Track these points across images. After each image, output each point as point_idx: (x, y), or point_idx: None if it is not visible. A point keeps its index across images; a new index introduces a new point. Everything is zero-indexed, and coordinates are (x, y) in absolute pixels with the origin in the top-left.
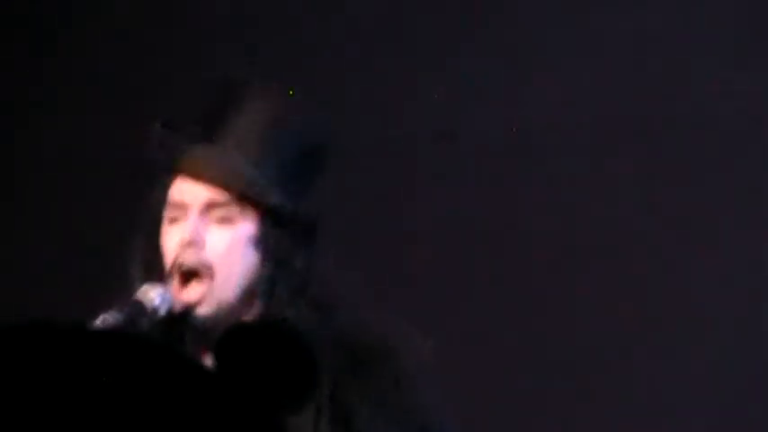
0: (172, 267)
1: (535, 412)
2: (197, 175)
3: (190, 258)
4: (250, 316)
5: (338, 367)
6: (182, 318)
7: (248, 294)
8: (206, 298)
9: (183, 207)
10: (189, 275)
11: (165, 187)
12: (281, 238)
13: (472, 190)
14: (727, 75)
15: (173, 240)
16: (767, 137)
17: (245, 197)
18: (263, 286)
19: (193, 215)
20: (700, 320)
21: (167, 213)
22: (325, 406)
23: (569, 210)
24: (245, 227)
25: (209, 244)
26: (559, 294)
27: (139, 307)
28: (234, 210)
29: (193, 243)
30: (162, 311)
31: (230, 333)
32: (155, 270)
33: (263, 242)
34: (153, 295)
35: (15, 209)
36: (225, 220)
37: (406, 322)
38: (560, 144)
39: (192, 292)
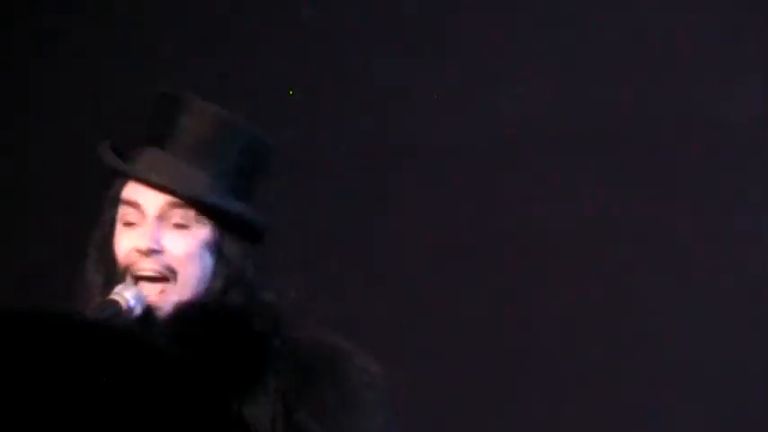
0: (126, 272)
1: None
2: (154, 181)
3: (150, 267)
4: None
5: (291, 379)
6: (144, 318)
7: (203, 299)
8: (166, 300)
9: (137, 207)
10: (150, 279)
11: (118, 190)
12: (234, 243)
13: (463, 194)
14: (726, 74)
15: (127, 243)
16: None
17: (199, 203)
18: (217, 292)
19: (150, 221)
20: (699, 321)
21: (121, 213)
22: (280, 414)
23: (562, 212)
24: (201, 232)
25: (167, 249)
26: (552, 297)
27: (116, 307)
28: (189, 215)
29: (153, 252)
30: (137, 311)
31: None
32: (111, 272)
33: (217, 248)
34: (128, 296)
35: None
36: (181, 226)
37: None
38: (554, 146)
39: (154, 295)
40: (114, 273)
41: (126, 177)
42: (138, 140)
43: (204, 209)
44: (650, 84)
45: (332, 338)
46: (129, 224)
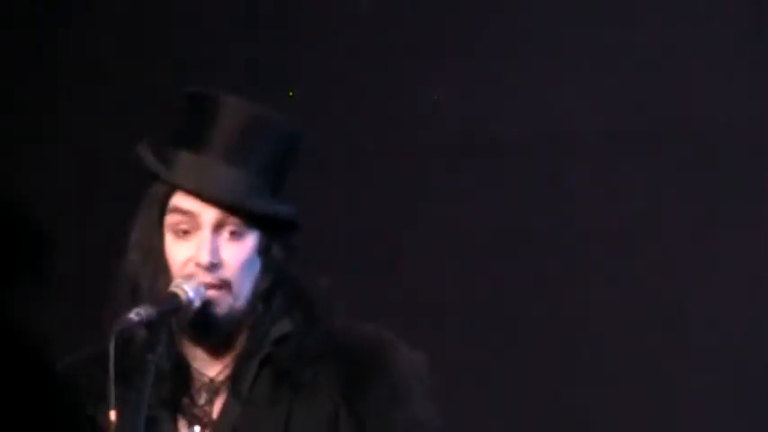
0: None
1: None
2: (215, 197)
3: (208, 280)
4: (249, 323)
5: (342, 375)
6: (202, 312)
7: (252, 303)
8: (221, 301)
9: (191, 216)
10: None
11: (164, 195)
12: (279, 244)
13: (478, 195)
14: (737, 81)
15: (184, 254)
16: None
17: (253, 211)
18: (263, 292)
19: (207, 232)
20: (701, 322)
21: (172, 221)
22: (343, 411)
23: (574, 215)
24: (252, 239)
25: (225, 261)
26: (564, 298)
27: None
28: (242, 224)
29: (215, 266)
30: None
31: None
32: (161, 280)
33: (264, 251)
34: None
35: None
36: (236, 235)
37: (394, 334)
38: (566, 150)
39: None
40: (166, 281)
41: (184, 190)
42: (170, 141)
43: (258, 216)
44: (677, 84)
45: (373, 329)
46: (183, 233)
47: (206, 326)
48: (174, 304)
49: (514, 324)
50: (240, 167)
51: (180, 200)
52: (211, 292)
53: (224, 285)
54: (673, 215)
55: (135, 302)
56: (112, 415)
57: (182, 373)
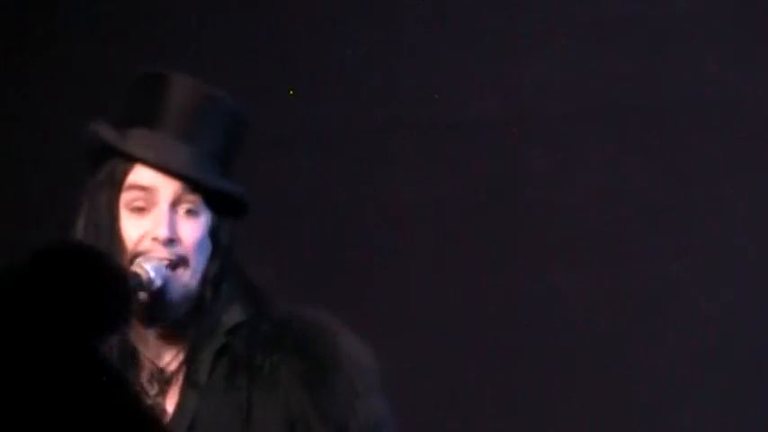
0: (136, 257)
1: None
2: (172, 167)
3: (165, 255)
4: (198, 308)
5: (302, 372)
6: (156, 296)
7: (203, 286)
8: (179, 280)
9: (149, 192)
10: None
11: (119, 173)
12: (227, 227)
13: (461, 182)
14: (745, 54)
15: (138, 230)
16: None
17: (208, 189)
18: (213, 280)
19: (165, 207)
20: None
21: (127, 198)
22: (304, 402)
23: (560, 205)
24: (205, 218)
25: (182, 238)
26: (551, 292)
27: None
28: (198, 200)
29: (171, 241)
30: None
31: None
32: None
33: (215, 232)
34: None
35: None
36: (192, 213)
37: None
38: (531, 131)
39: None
40: (121, 258)
41: (146, 164)
42: (120, 120)
43: (215, 195)
44: (670, 60)
45: (320, 316)
46: (138, 209)
47: (162, 305)
48: (135, 283)
49: (478, 310)
50: (193, 145)
51: (138, 175)
52: (169, 271)
53: (181, 262)
54: (687, 195)
55: None
56: None
57: (131, 362)
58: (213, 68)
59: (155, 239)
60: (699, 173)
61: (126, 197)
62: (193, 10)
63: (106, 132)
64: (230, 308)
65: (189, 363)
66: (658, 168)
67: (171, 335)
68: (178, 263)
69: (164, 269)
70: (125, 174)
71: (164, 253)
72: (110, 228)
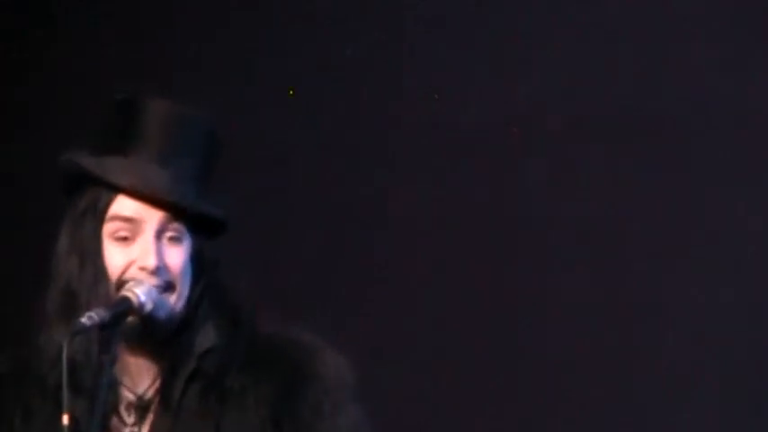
0: (124, 285)
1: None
2: (158, 198)
3: (156, 282)
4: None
5: (271, 393)
6: (146, 321)
7: (186, 309)
8: (166, 307)
9: (133, 222)
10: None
11: (102, 203)
12: (208, 249)
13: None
14: (743, 64)
15: (124, 259)
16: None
17: (191, 215)
18: (196, 298)
19: (150, 236)
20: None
21: (111, 228)
22: (269, 425)
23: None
24: (188, 244)
25: (168, 265)
26: (551, 293)
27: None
28: (181, 228)
29: (159, 270)
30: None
31: None
32: (101, 286)
33: (197, 256)
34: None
35: None
36: (175, 240)
37: (321, 339)
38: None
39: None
40: (106, 287)
41: (129, 195)
42: (97, 147)
43: (196, 221)
44: (667, 74)
45: (297, 335)
46: (122, 239)
47: (152, 328)
48: (126, 306)
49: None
50: (172, 170)
51: (121, 206)
52: (158, 295)
53: (169, 286)
54: (686, 206)
55: (72, 310)
56: (65, 419)
57: (110, 393)
58: (213, 69)
59: (142, 269)
60: (700, 173)
61: (109, 227)
62: (193, 10)
63: (87, 162)
64: (205, 330)
65: (163, 389)
66: (658, 170)
67: (149, 360)
68: (167, 287)
69: (154, 292)
70: (108, 204)
71: (152, 281)
72: (94, 257)
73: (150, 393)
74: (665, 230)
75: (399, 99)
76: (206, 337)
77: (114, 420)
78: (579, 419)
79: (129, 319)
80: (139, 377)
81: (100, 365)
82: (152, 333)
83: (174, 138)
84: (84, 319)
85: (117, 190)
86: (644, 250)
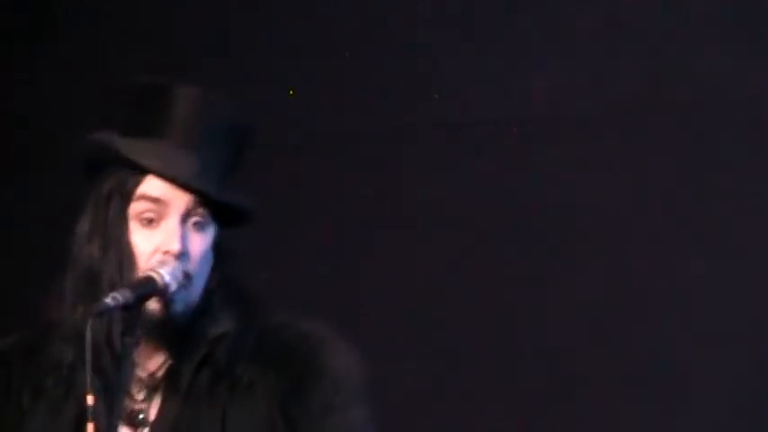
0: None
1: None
2: (185, 181)
3: (172, 273)
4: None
5: (280, 386)
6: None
7: (203, 299)
8: (179, 302)
9: (160, 204)
10: None
11: (125, 187)
12: (228, 239)
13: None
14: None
15: (150, 243)
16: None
17: (217, 204)
18: (213, 287)
19: (175, 220)
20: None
21: (140, 210)
22: (279, 418)
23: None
24: (211, 231)
25: (190, 252)
26: (554, 292)
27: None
28: (207, 213)
29: (183, 255)
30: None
31: None
32: (124, 268)
33: (217, 244)
34: (163, 272)
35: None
36: (199, 226)
37: (335, 331)
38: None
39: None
40: (132, 270)
41: (158, 176)
42: (125, 130)
43: (220, 208)
44: (667, 73)
45: (310, 328)
46: (148, 221)
47: (170, 315)
48: (151, 287)
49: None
50: (199, 157)
51: (149, 187)
52: (182, 278)
53: (188, 276)
54: (703, 199)
55: (94, 292)
56: (89, 399)
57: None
58: (213, 69)
59: (166, 253)
60: (701, 173)
61: (135, 208)
62: (192, 10)
63: (116, 143)
64: (219, 318)
65: (173, 371)
66: (658, 170)
67: (162, 342)
68: (186, 276)
69: (179, 274)
70: (136, 185)
71: (170, 268)
72: (120, 240)
73: (161, 373)
74: (665, 231)
75: (399, 99)
76: (219, 325)
77: (124, 396)
78: (579, 420)
79: (151, 302)
80: (151, 357)
81: (122, 347)
82: (170, 317)
83: (203, 125)
84: (108, 300)
85: (145, 172)
86: (644, 250)
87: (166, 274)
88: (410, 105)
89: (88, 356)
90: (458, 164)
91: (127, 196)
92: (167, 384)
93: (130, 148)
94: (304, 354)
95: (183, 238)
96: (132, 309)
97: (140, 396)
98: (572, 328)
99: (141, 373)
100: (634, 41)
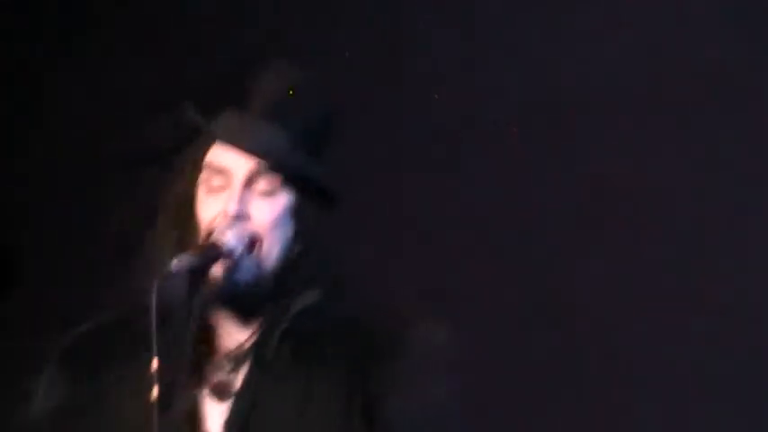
0: (208, 237)
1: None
2: (245, 147)
3: (234, 239)
4: (276, 289)
5: (360, 361)
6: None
7: (282, 268)
8: (245, 269)
9: (224, 173)
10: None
11: (200, 153)
12: (312, 209)
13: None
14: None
15: (214, 209)
16: None
17: (286, 169)
18: (294, 258)
19: (237, 187)
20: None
21: (207, 178)
22: (357, 393)
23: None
24: (284, 199)
25: (254, 217)
26: (556, 290)
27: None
28: (275, 181)
29: (239, 217)
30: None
31: None
32: (190, 235)
33: (297, 214)
34: (229, 236)
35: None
36: (267, 193)
37: (418, 304)
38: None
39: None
40: (192, 236)
41: (219, 143)
42: (216, 104)
43: (290, 175)
44: (668, 74)
45: (397, 306)
46: (214, 189)
47: (234, 282)
48: (215, 252)
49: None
50: (280, 128)
51: (215, 155)
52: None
53: (252, 243)
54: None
55: (162, 258)
56: (155, 363)
57: (207, 340)
58: (212, 69)
59: (226, 216)
60: (703, 173)
61: (204, 176)
62: (192, 10)
63: (192, 115)
64: (306, 291)
65: (258, 343)
66: (658, 170)
67: (248, 314)
68: (253, 241)
69: (245, 238)
70: (204, 153)
71: (231, 234)
72: (188, 206)
73: (247, 345)
74: (666, 230)
75: (399, 99)
76: (306, 297)
77: (208, 368)
78: (579, 420)
79: (217, 266)
80: (237, 329)
81: (189, 310)
82: (236, 282)
83: (288, 99)
84: (173, 264)
85: (213, 140)
86: (644, 250)
87: (231, 238)
88: (410, 105)
89: (154, 321)
90: (458, 164)
91: (197, 164)
92: (253, 356)
93: (209, 119)
94: (388, 329)
95: (243, 202)
96: (197, 273)
97: (228, 368)
98: (572, 329)
99: (228, 346)
100: (634, 41)
